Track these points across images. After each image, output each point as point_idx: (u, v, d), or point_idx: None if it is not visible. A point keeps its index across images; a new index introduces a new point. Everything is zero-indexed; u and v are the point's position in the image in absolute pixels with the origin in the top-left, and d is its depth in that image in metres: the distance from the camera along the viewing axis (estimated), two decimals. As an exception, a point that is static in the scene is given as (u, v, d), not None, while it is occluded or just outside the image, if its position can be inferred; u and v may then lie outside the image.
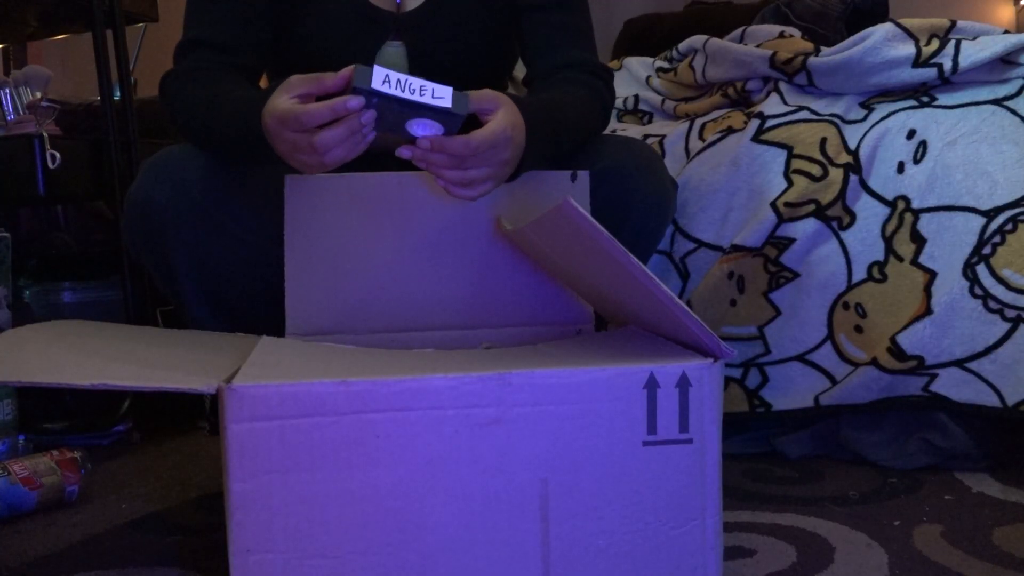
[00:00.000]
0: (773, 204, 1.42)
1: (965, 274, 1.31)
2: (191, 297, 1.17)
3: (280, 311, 1.13)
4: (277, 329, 1.12)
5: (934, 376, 1.30)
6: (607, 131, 1.73)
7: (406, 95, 0.93)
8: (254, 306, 1.17)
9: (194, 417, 1.75)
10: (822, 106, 1.50)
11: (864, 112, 1.46)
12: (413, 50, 1.27)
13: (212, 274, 1.14)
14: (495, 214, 1.15)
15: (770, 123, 1.50)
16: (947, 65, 1.41)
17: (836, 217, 1.41)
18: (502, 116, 1.00)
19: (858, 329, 1.38)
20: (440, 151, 0.97)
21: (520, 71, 1.35)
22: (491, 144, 0.99)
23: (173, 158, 1.12)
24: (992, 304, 1.29)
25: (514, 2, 1.30)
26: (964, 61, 1.41)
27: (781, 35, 1.73)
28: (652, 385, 0.82)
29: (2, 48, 2.77)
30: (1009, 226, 1.31)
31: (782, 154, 1.46)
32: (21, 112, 1.85)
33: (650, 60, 1.96)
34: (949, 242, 1.34)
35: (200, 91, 1.14)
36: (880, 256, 1.38)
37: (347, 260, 1.14)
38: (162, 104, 1.19)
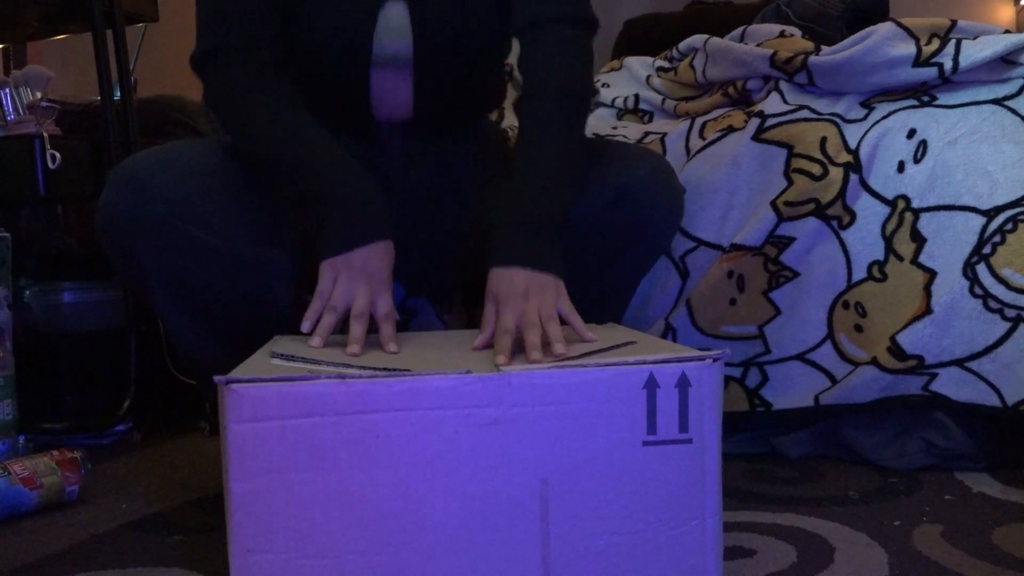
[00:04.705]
0: (773, 203, 1.42)
1: (965, 274, 1.31)
2: (166, 308, 1.15)
3: (258, 318, 1.12)
4: (255, 337, 1.07)
5: (934, 376, 1.30)
6: (605, 132, 1.72)
7: None
8: (230, 314, 1.15)
9: (194, 417, 1.75)
10: (822, 105, 1.50)
11: (864, 111, 1.46)
12: (416, 14, 1.24)
13: (183, 284, 1.12)
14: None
15: (770, 122, 1.50)
16: (947, 65, 1.41)
17: (836, 216, 1.40)
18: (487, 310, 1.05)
19: (858, 328, 1.37)
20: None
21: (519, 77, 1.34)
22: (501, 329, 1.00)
23: (138, 167, 1.09)
24: (992, 304, 1.29)
25: None
26: (964, 61, 1.40)
27: (781, 34, 1.73)
28: (652, 385, 0.82)
29: (2, 48, 2.77)
30: (1009, 226, 1.31)
31: (782, 153, 1.46)
32: (21, 112, 1.85)
33: (650, 60, 1.96)
34: (949, 241, 1.34)
35: (267, 113, 1.13)
36: (880, 255, 1.38)
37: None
38: (215, 120, 1.15)
